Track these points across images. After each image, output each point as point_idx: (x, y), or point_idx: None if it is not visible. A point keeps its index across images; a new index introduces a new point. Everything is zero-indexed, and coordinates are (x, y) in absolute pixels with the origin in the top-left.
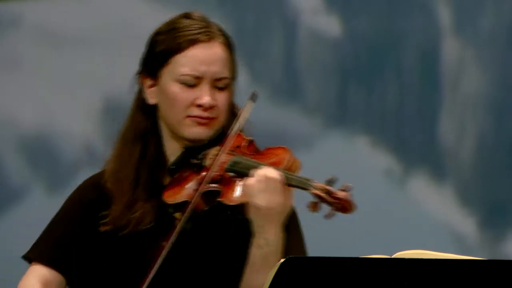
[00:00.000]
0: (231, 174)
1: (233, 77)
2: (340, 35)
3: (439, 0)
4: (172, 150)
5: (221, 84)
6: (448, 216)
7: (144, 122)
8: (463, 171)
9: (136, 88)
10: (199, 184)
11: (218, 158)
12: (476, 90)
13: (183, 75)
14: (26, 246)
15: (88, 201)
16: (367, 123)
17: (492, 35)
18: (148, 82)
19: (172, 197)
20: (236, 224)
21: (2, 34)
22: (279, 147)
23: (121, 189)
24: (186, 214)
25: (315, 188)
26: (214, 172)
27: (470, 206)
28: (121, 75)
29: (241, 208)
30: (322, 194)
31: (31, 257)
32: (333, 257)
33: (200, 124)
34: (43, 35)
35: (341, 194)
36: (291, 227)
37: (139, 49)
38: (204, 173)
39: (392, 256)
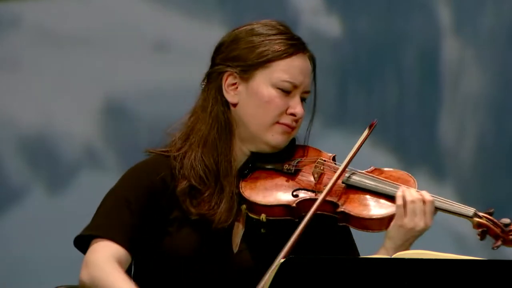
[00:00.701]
0: (349, 188)
1: (311, 92)
2: (340, 35)
3: (439, 0)
4: (238, 153)
5: (306, 97)
6: (448, 216)
7: (223, 118)
8: (463, 171)
9: (203, 84)
10: (305, 191)
11: (341, 173)
12: (476, 90)
13: (283, 81)
14: (26, 246)
15: (160, 185)
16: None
17: (492, 35)
18: (231, 80)
19: (265, 199)
20: (335, 232)
21: (2, 34)
22: (393, 170)
23: (207, 180)
24: (307, 220)
25: (481, 218)
26: (332, 184)
27: (470, 206)
28: (121, 75)
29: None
30: (493, 227)
31: (104, 235)
32: (333, 257)
33: (285, 132)
34: (43, 35)
35: None
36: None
37: (139, 49)
38: (303, 180)
39: (392, 256)
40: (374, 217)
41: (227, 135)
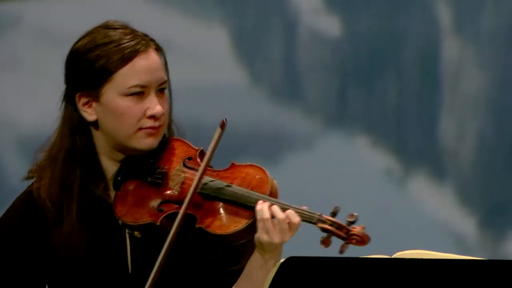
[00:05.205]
0: (204, 197)
1: (168, 78)
2: (340, 35)
3: (439, 0)
4: (109, 163)
5: (164, 87)
6: (448, 216)
7: (80, 140)
8: (463, 171)
9: (62, 107)
10: (169, 204)
11: (199, 180)
12: (476, 90)
13: (130, 87)
14: None
15: (29, 228)
16: (367, 123)
17: (492, 35)
18: (84, 99)
19: (133, 217)
20: (195, 235)
21: (2, 34)
22: (249, 165)
23: (69, 211)
24: (171, 238)
25: (324, 222)
26: (191, 194)
27: (470, 206)
28: None
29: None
30: (335, 230)
31: None
32: (333, 257)
33: (151, 134)
34: (43, 35)
35: (356, 230)
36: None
37: None
38: (167, 192)
39: (392, 256)
40: (229, 232)
41: (80, 155)
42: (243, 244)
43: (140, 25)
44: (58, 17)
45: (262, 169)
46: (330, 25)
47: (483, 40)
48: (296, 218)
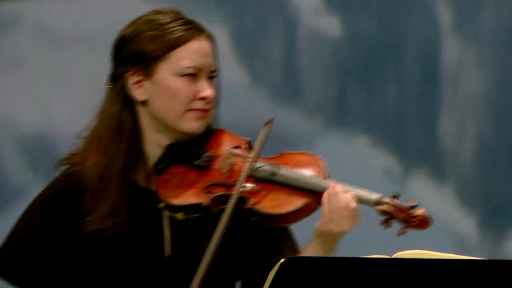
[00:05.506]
0: (257, 180)
1: (218, 68)
2: (340, 35)
3: (439, 0)
4: (152, 148)
5: (214, 75)
6: (448, 216)
7: (129, 119)
8: (463, 171)
9: (109, 85)
10: (217, 186)
11: (250, 165)
12: (476, 90)
13: (186, 68)
14: None
15: (67, 212)
16: (367, 123)
17: (492, 35)
18: (135, 78)
19: (179, 199)
20: (251, 226)
21: (2, 34)
22: (301, 153)
23: (109, 187)
24: (226, 218)
25: (384, 204)
26: (244, 177)
27: (470, 206)
28: None
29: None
30: (396, 213)
31: (11, 281)
32: (333, 257)
33: (200, 117)
34: (43, 35)
35: (418, 212)
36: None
37: None
38: (215, 175)
39: (392, 256)
40: (283, 212)
41: (135, 137)
42: (289, 237)
43: None
44: (58, 17)
45: (315, 156)
46: (330, 25)
47: (483, 40)
48: (353, 204)
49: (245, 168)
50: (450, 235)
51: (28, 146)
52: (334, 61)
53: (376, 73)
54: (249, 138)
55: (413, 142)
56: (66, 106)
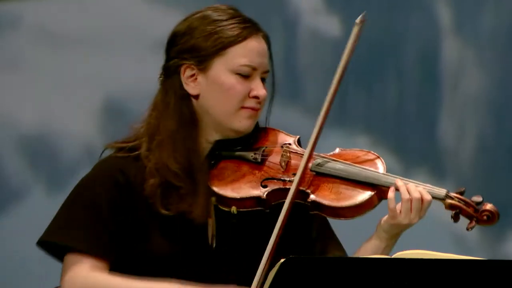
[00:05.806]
0: (317, 174)
1: (272, 70)
2: (340, 35)
3: (439, 0)
4: (201, 143)
5: (266, 76)
6: (448, 216)
7: (187, 111)
8: (463, 171)
9: (161, 78)
10: (273, 180)
11: (310, 155)
12: (476, 90)
13: (242, 65)
14: (26, 246)
15: (127, 186)
16: (367, 123)
17: (492, 35)
18: (190, 72)
19: (234, 192)
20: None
21: (2, 34)
22: (359, 150)
23: (182, 177)
24: (285, 212)
25: (452, 198)
26: (302, 172)
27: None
28: (121, 75)
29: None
30: (464, 207)
31: (82, 249)
32: (333, 257)
33: (251, 116)
34: (43, 35)
35: (488, 206)
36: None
37: (139, 49)
38: (272, 170)
39: (392, 256)
40: (346, 205)
41: (193, 128)
42: (333, 234)
43: (140, 25)
44: (58, 17)
45: (373, 153)
46: (330, 25)
47: (483, 40)
48: (428, 196)
49: (303, 161)
50: (450, 235)
51: (28, 146)
52: (334, 61)
53: (376, 73)
54: (299, 136)
55: (413, 142)
56: (66, 106)
